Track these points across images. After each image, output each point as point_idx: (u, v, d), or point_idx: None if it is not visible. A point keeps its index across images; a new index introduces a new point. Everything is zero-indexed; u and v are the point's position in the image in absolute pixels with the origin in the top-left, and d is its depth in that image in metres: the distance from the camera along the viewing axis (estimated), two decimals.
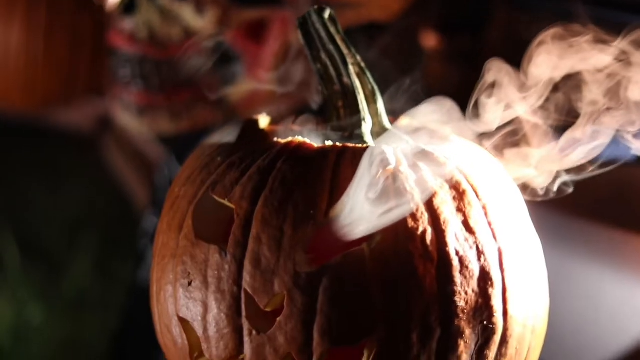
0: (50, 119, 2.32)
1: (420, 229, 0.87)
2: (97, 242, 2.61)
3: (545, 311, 0.97)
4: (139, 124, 1.76)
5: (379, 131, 1.02)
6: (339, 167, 0.90)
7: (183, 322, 0.93)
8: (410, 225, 0.87)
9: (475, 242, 0.89)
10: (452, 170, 0.92)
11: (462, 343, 0.88)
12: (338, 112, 1.02)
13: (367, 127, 1.00)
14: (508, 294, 0.90)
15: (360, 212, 0.86)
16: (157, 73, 1.71)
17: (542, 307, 0.96)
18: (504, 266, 0.90)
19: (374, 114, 1.02)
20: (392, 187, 0.88)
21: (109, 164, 2.35)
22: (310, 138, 0.96)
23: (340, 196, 0.88)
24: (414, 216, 0.87)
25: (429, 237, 0.87)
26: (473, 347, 0.88)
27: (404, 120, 1.07)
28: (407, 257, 0.86)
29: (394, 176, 0.89)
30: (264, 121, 1.04)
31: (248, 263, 0.88)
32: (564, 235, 1.27)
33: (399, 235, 0.87)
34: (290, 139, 0.95)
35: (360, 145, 0.93)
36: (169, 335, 0.96)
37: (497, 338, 0.90)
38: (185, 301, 0.92)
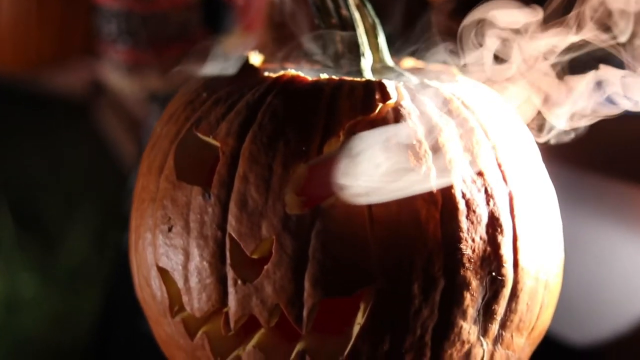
0: (43, 82, 2.23)
1: (423, 169, 0.78)
2: (95, 212, 2.53)
3: (559, 265, 0.89)
4: (129, 83, 1.68)
5: (380, 68, 0.94)
6: (335, 101, 0.82)
7: (162, 272, 0.85)
8: (411, 165, 0.79)
9: (484, 185, 0.81)
10: (458, 107, 0.83)
11: (468, 296, 0.80)
12: (336, 47, 0.93)
13: (366, 62, 0.92)
14: (519, 243, 0.82)
15: (362, 157, 0.77)
16: (144, 28, 1.63)
17: (556, 260, 0.88)
18: (515, 212, 0.82)
19: (375, 49, 0.94)
20: (392, 122, 0.79)
21: (104, 130, 2.27)
22: (305, 74, 0.87)
23: (335, 132, 0.80)
24: (416, 154, 0.79)
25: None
26: (480, 300, 0.80)
27: (409, 60, 0.98)
28: (408, 200, 0.78)
29: (395, 111, 0.80)
30: (255, 59, 0.95)
31: (233, 205, 0.80)
32: (574, 190, 1.18)
33: None
34: (282, 72, 0.86)
35: (358, 79, 0.84)
36: (148, 288, 0.88)
37: (506, 291, 0.82)
38: (164, 249, 0.84)
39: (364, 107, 0.82)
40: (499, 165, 0.83)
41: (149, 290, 0.88)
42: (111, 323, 1.78)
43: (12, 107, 2.37)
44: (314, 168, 0.81)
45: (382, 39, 0.94)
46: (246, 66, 0.92)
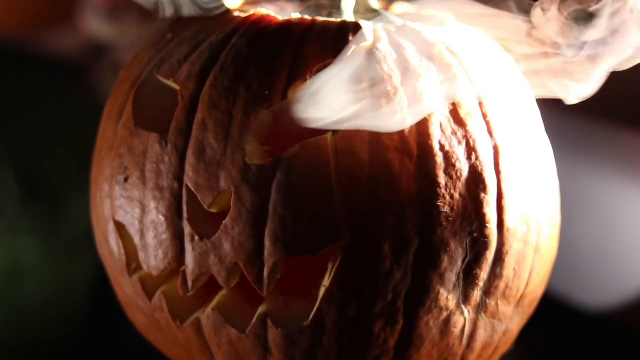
0: (41, 43, 2.17)
1: (398, 117, 0.73)
2: None
3: (553, 228, 0.83)
4: (110, 30, 1.63)
5: (365, 12, 0.88)
6: (303, 43, 0.77)
7: (120, 227, 0.81)
8: (385, 111, 0.73)
9: (466, 137, 0.75)
10: (441, 51, 0.78)
11: (445, 258, 0.74)
12: None
13: (347, 3, 0.86)
14: (505, 202, 0.76)
15: (326, 95, 0.72)
16: None
17: (549, 222, 0.82)
18: (501, 168, 0.76)
19: None
20: (366, 66, 0.74)
21: (106, 94, 2.21)
22: (279, 14, 0.81)
23: (301, 76, 0.74)
24: (391, 101, 0.73)
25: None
26: (460, 263, 0.75)
27: (401, 5, 0.92)
28: (379, 150, 0.73)
29: (370, 54, 0.75)
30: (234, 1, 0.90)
31: (191, 154, 0.75)
32: (578, 141, 1.12)
33: None
34: (251, 11, 0.81)
35: (332, 20, 0.79)
36: (106, 244, 0.83)
37: (490, 254, 0.76)
38: (121, 201, 0.80)
39: (336, 49, 0.77)
40: (484, 116, 0.77)
41: (107, 247, 0.84)
42: (110, 292, 1.74)
43: (13, 69, 2.33)
44: (279, 114, 0.75)
45: None
46: (219, 7, 0.87)
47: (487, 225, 0.76)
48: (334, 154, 0.73)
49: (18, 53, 2.23)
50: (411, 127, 0.74)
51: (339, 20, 0.80)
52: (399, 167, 0.73)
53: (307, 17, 0.80)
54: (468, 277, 0.76)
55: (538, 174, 0.81)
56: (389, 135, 0.73)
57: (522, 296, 0.81)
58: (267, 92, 0.74)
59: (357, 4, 0.88)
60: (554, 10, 0.83)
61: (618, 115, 1.10)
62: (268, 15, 0.80)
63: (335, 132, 0.73)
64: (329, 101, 0.72)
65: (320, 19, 0.80)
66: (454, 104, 0.76)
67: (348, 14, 0.86)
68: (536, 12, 0.83)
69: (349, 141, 0.73)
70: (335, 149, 0.73)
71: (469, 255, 0.76)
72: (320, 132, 0.74)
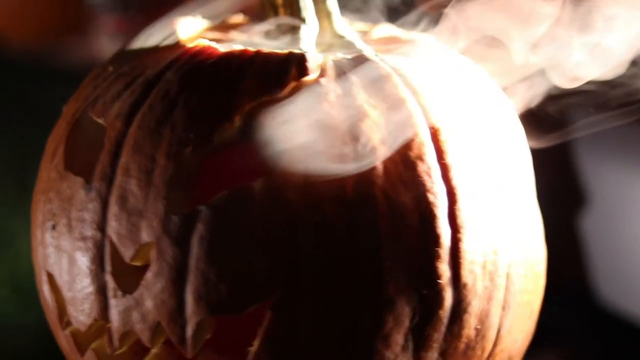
0: (58, 55, 2.15)
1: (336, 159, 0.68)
2: None
3: (531, 280, 0.77)
4: None
5: (331, 40, 0.83)
6: (239, 78, 0.73)
7: (51, 277, 0.77)
8: (322, 152, 0.68)
9: (415, 183, 0.70)
10: (396, 85, 0.72)
11: (390, 318, 0.69)
12: (276, 12, 0.83)
13: (307, 30, 0.81)
14: (462, 255, 0.71)
15: (261, 133, 0.68)
16: None
17: (523, 273, 0.76)
18: (458, 217, 0.70)
19: (323, 15, 0.83)
20: (306, 103, 0.69)
21: None
22: (226, 45, 0.77)
23: (230, 116, 0.70)
24: (328, 142, 0.69)
25: None
26: (408, 324, 0.70)
27: (383, 28, 0.87)
28: (312, 199, 0.68)
29: (312, 90, 0.70)
30: (194, 25, 0.85)
31: (114, 202, 0.72)
32: (624, 146, 1.04)
33: None
34: (194, 43, 0.77)
35: (279, 51, 0.74)
36: (42, 293, 0.80)
37: (444, 313, 0.71)
38: (50, 250, 0.77)
39: (272, 85, 0.72)
40: (440, 157, 0.72)
41: (43, 296, 0.81)
42: None
43: (32, 79, 2.32)
44: (208, 159, 0.71)
45: (332, 3, 0.84)
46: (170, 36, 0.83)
47: (438, 281, 0.70)
48: (260, 203, 0.68)
49: (34, 63, 2.22)
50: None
51: (286, 52, 0.75)
52: (335, 218, 0.68)
53: (250, 48, 0.76)
54: (420, 339, 0.71)
55: (510, 221, 0.75)
56: (325, 182, 0.68)
57: (489, 355, 0.76)
58: (192, 135, 0.70)
59: (323, 29, 0.83)
60: None
61: None
62: (209, 47, 0.76)
63: (265, 178, 0.69)
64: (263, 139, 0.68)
65: (266, 50, 0.75)
66: (403, 145, 0.70)
67: (304, 42, 0.81)
68: None
69: (279, 189, 0.69)
70: (262, 197, 0.68)
71: (417, 315, 0.70)
72: (250, 178, 0.69)
